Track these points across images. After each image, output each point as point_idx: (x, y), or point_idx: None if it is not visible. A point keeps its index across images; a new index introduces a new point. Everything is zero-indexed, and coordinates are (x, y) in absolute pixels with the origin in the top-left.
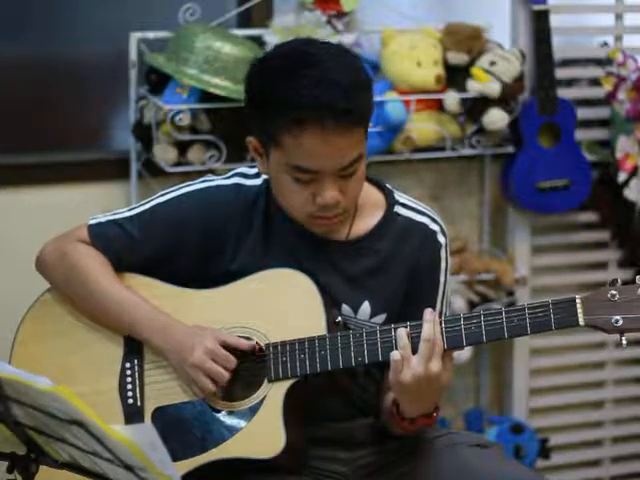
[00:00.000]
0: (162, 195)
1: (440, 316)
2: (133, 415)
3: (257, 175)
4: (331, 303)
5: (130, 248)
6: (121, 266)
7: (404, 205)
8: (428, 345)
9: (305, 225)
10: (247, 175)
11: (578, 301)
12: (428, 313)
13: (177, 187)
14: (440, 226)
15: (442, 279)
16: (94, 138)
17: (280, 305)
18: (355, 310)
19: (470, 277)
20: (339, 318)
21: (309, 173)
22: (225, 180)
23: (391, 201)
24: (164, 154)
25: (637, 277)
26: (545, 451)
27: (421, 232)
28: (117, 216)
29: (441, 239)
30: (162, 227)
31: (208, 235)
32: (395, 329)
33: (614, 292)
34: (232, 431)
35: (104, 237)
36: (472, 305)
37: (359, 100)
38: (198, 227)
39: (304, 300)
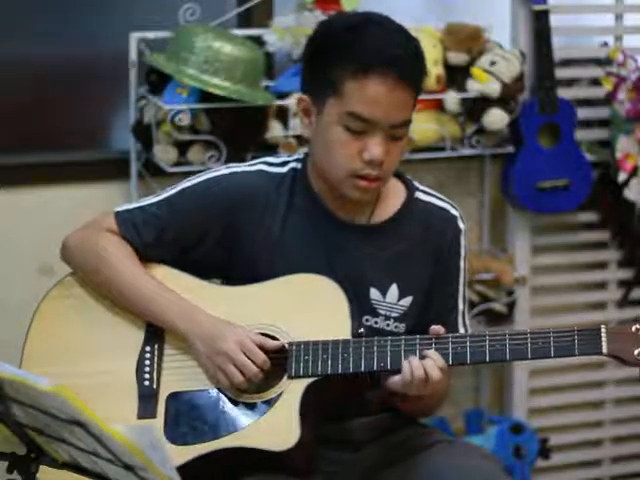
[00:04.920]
0: (188, 180)
1: (464, 302)
2: (147, 397)
3: (283, 164)
4: (356, 313)
5: (156, 232)
6: (148, 253)
7: (424, 192)
8: (421, 381)
9: (341, 188)
10: (272, 163)
11: (603, 331)
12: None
13: (203, 173)
14: (459, 212)
15: (462, 265)
16: (94, 138)
17: (307, 309)
18: (383, 293)
19: (470, 277)
20: (362, 329)
21: (364, 122)
22: (250, 167)
23: (412, 188)
24: (164, 154)
25: None
26: (545, 451)
27: (443, 216)
28: (144, 203)
29: (461, 225)
30: (188, 210)
31: (232, 218)
32: (420, 339)
33: (639, 326)
34: (246, 421)
35: (131, 223)
36: (472, 305)
37: (420, 63)
38: (223, 210)
39: (331, 307)
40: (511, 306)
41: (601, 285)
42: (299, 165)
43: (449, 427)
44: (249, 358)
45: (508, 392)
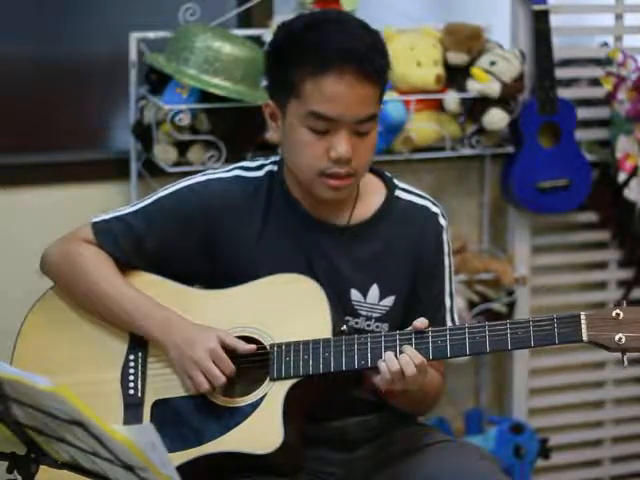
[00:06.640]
0: (164, 189)
1: (451, 298)
2: (133, 406)
3: (259, 168)
4: (338, 311)
5: (135, 242)
6: (127, 262)
7: (404, 190)
8: (399, 378)
9: (313, 189)
10: (248, 168)
11: (583, 317)
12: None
13: (179, 181)
14: (440, 209)
15: (447, 262)
16: (94, 138)
17: (288, 309)
18: (364, 294)
19: (470, 277)
20: (344, 327)
21: (326, 121)
22: (226, 173)
23: (391, 186)
24: (164, 154)
25: None
26: (545, 451)
27: (423, 214)
28: (120, 212)
29: (442, 222)
30: (165, 219)
31: (211, 225)
32: (400, 335)
33: (619, 311)
34: (230, 426)
35: (108, 233)
36: (472, 305)
37: (380, 55)
38: (200, 218)
39: (312, 306)
40: (511, 306)
41: (601, 285)
42: (276, 167)
43: (449, 427)
44: (218, 366)
45: (508, 392)
